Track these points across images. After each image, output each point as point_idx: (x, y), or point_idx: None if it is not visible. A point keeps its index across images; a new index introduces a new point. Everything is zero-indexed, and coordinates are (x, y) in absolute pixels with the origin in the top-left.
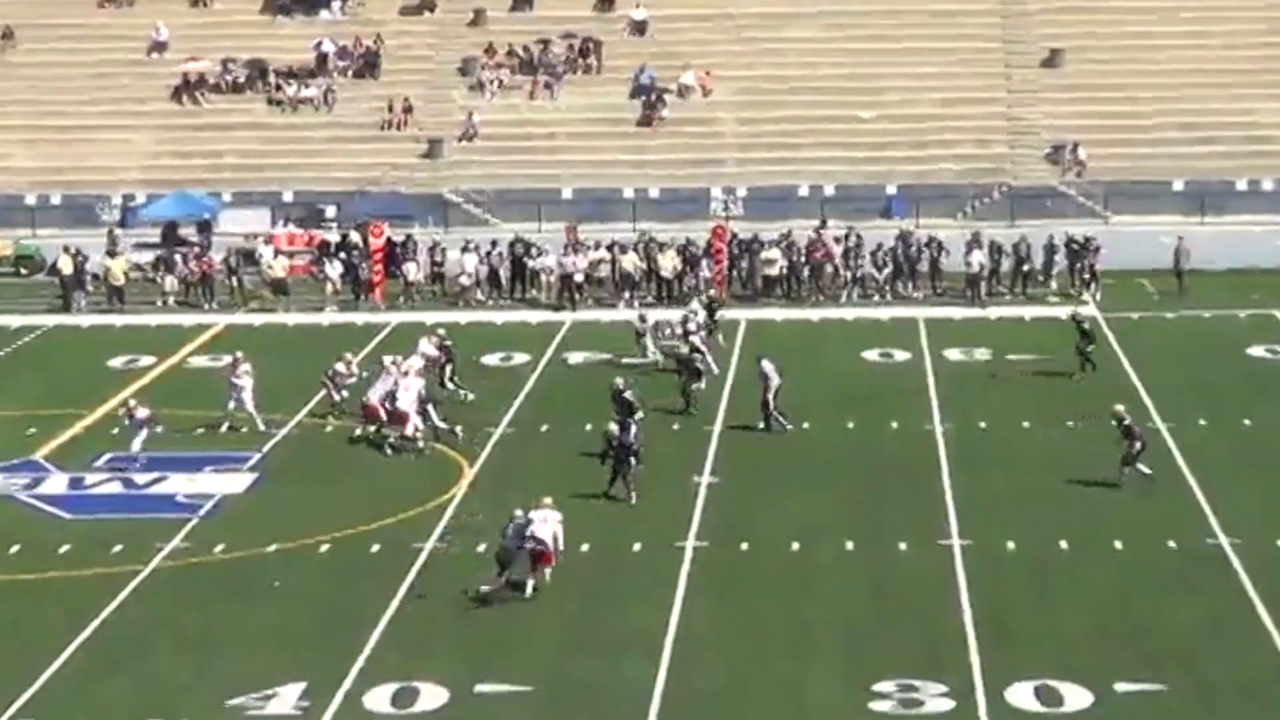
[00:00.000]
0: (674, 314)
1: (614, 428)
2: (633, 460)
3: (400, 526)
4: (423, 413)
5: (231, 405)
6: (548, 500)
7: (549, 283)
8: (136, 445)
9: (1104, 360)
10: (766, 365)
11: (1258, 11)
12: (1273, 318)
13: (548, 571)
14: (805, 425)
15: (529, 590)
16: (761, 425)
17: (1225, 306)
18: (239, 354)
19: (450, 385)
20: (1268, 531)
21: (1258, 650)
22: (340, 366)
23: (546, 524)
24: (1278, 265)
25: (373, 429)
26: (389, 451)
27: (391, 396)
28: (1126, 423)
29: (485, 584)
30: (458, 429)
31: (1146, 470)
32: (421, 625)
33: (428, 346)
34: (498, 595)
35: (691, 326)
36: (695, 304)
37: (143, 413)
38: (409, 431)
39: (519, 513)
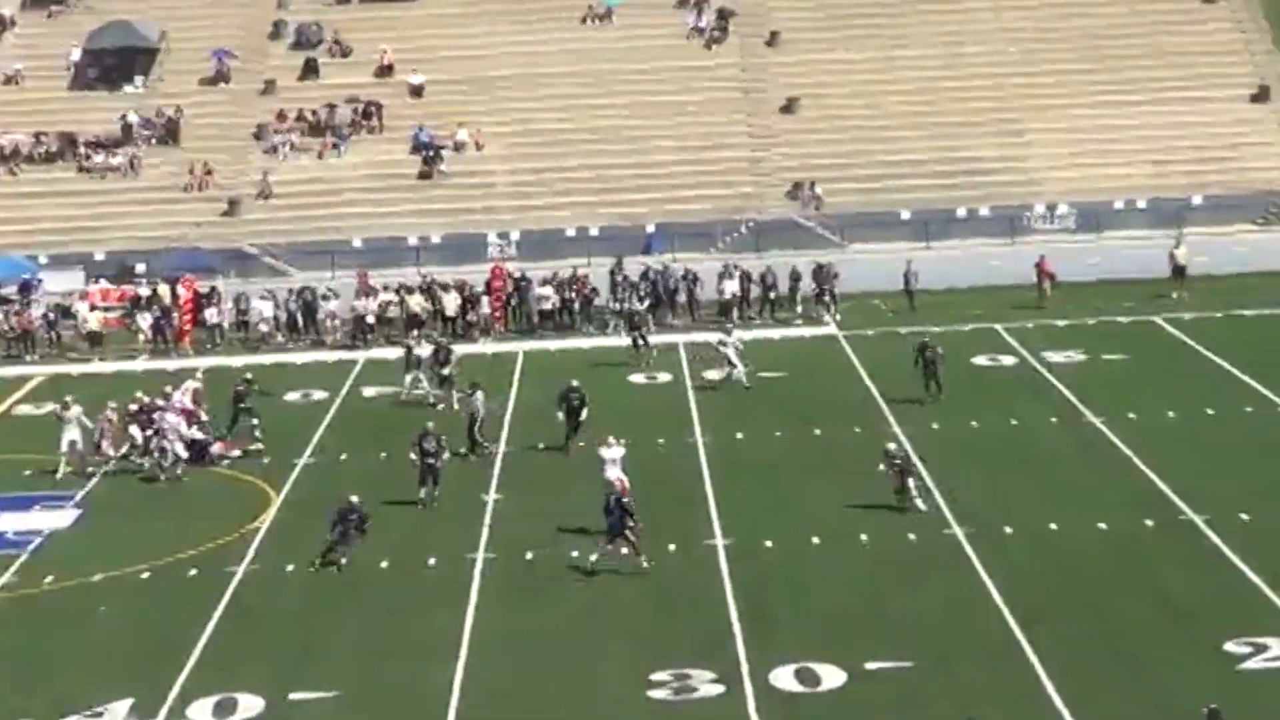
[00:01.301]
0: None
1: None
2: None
3: (214, 552)
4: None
5: (64, 448)
6: (611, 438)
7: (334, 326)
8: None
9: (844, 373)
10: (476, 398)
11: (968, 59)
12: (993, 330)
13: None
14: (581, 444)
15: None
16: (464, 450)
17: (951, 321)
18: (68, 398)
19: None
20: (995, 520)
21: (991, 625)
22: (109, 413)
23: (616, 464)
24: (995, 283)
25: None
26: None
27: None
28: (899, 463)
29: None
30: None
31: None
32: (238, 641)
33: (186, 391)
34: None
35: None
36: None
37: None
38: (167, 462)
39: (615, 486)
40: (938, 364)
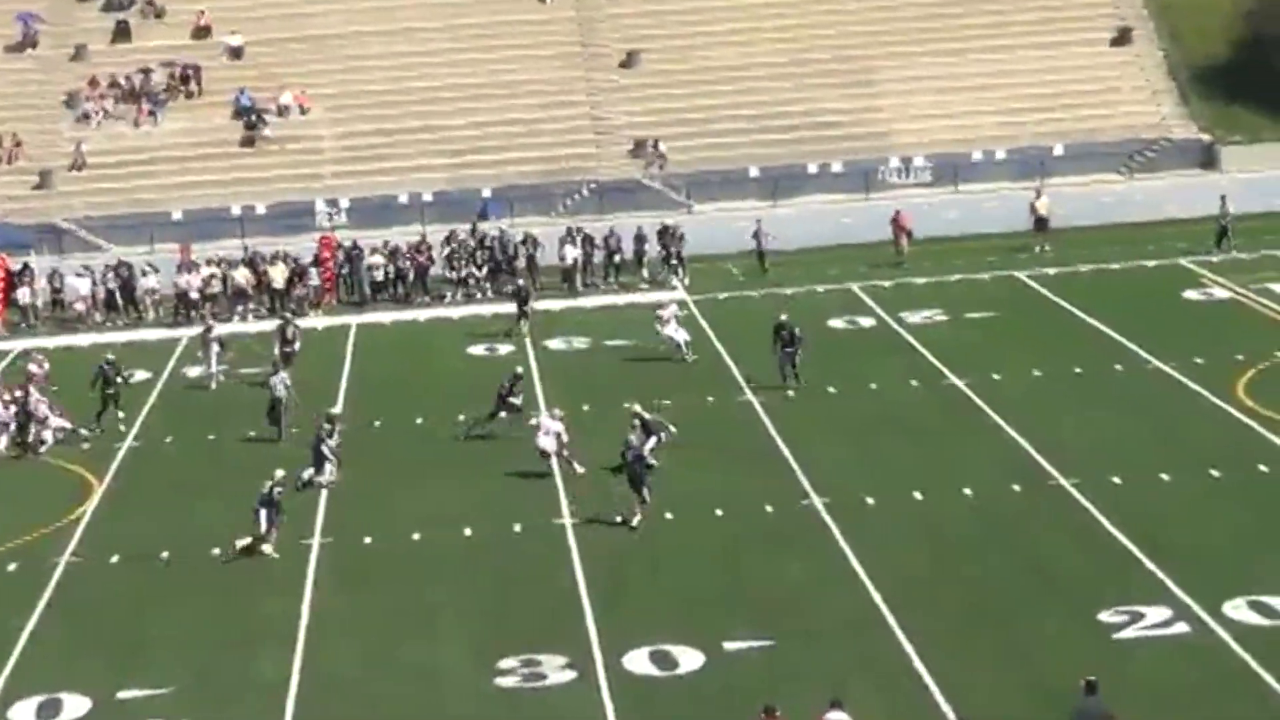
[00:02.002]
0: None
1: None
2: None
3: (35, 544)
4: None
5: None
6: (556, 410)
7: (154, 303)
8: None
9: (695, 340)
10: (276, 380)
11: (815, 6)
12: (849, 290)
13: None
14: (419, 420)
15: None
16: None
17: (805, 282)
18: None
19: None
20: (855, 490)
21: (855, 597)
22: None
23: (551, 436)
24: (850, 242)
25: None
26: None
27: None
28: (645, 419)
29: (631, 515)
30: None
31: (653, 462)
32: (63, 638)
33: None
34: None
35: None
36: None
37: None
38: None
39: (633, 439)
40: (798, 347)
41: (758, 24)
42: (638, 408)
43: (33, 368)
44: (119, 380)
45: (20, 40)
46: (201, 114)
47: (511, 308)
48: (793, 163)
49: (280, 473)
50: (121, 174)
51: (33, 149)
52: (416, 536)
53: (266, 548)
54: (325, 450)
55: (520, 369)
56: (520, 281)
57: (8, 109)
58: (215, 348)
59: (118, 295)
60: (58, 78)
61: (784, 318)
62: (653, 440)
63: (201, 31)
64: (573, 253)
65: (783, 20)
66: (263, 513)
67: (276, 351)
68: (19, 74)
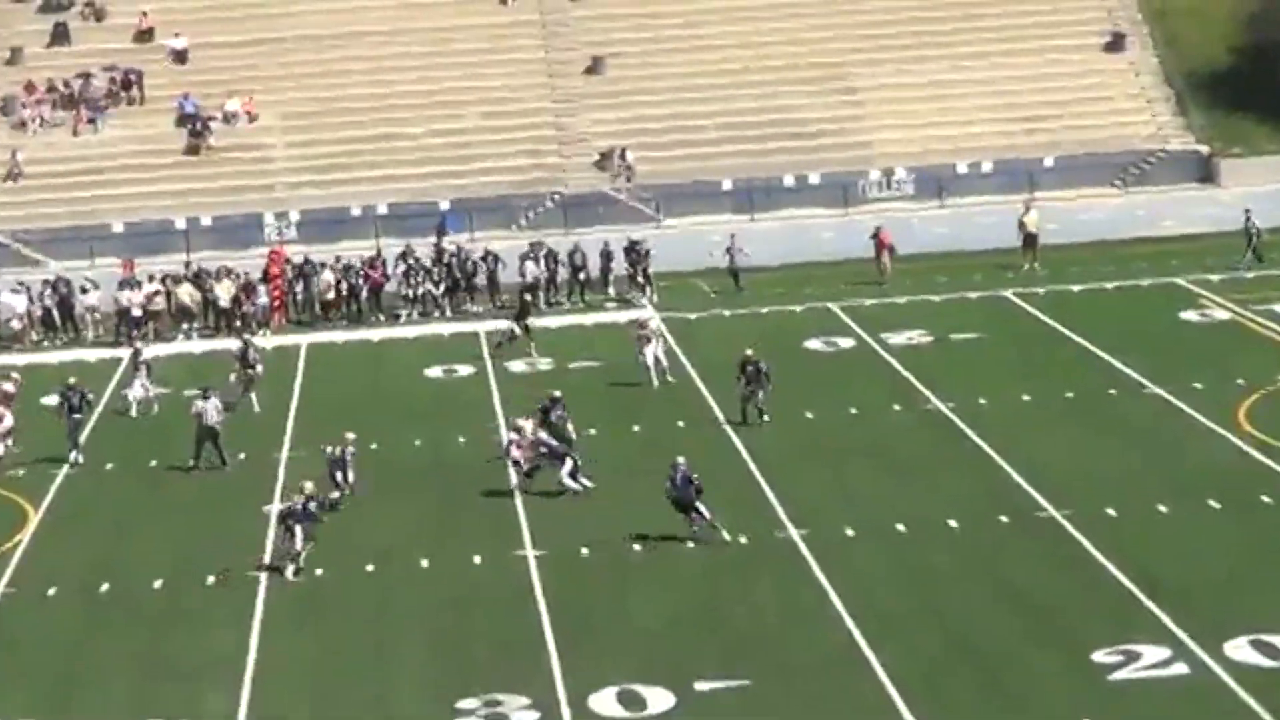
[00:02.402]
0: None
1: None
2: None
3: None
4: None
5: None
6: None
7: (94, 321)
8: None
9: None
10: (208, 405)
11: (792, 9)
12: (827, 309)
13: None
14: (373, 446)
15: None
16: (191, 463)
17: (781, 301)
18: None
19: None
20: (833, 520)
21: (834, 634)
22: None
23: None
24: (828, 257)
25: None
26: None
27: None
28: (552, 446)
29: (697, 532)
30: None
31: (581, 485)
32: None
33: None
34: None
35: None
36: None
37: None
38: None
39: (681, 460)
40: (762, 384)
41: (731, 28)
42: (529, 426)
43: (8, 386)
44: (84, 405)
45: None
46: (144, 121)
47: (471, 326)
48: (768, 174)
49: (309, 485)
50: (59, 184)
51: None
52: (370, 568)
53: (290, 569)
54: (339, 472)
55: (558, 392)
56: (527, 295)
57: None
58: (144, 371)
59: (55, 313)
60: None
61: (749, 352)
62: (569, 464)
63: (144, 35)
64: (535, 269)
65: (757, 24)
66: (297, 528)
67: (233, 377)
68: None
